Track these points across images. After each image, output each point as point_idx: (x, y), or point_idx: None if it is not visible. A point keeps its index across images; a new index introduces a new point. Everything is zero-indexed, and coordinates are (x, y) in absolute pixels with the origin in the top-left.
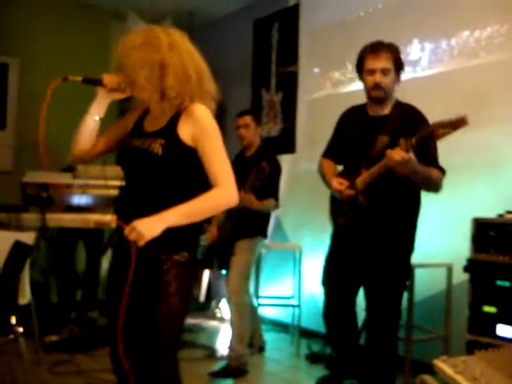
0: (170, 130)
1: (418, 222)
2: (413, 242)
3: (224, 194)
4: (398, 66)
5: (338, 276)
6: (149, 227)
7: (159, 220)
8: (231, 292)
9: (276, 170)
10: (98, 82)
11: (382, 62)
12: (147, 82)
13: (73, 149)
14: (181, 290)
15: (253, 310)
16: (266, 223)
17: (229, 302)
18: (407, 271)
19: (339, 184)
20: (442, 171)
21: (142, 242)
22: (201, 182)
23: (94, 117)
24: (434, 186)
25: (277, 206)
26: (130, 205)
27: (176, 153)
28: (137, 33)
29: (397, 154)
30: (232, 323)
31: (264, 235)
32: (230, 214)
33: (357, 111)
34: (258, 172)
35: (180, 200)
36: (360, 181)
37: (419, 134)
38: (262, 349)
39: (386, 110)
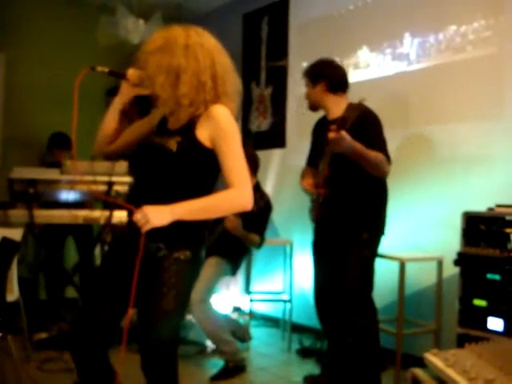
0: (188, 129)
1: (382, 212)
2: (375, 230)
3: (239, 195)
4: (315, 79)
5: (316, 268)
6: (157, 214)
7: (168, 211)
8: (193, 303)
9: (266, 208)
10: (122, 76)
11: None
12: (162, 88)
13: (96, 141)
14: (179, 288)
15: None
16: (240, 254)
17: (192, 314)
18: (365, 265)
19: (307, 184)
20: (388, 158)
21: (147, 227)
22: (215, 185)
23: (115, 109)
24: (377, 169)
25: (260, 245)
26: (142, 198)
27: (190, 151)
28: (158, 35)
29: (331, 133)
30: (206, 332)
31: (234, 262)
32: (213, 230)
33: (322, 119)
34: None
35: (190, 198)
36: (319, 173)
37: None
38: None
39: (337, 114)
